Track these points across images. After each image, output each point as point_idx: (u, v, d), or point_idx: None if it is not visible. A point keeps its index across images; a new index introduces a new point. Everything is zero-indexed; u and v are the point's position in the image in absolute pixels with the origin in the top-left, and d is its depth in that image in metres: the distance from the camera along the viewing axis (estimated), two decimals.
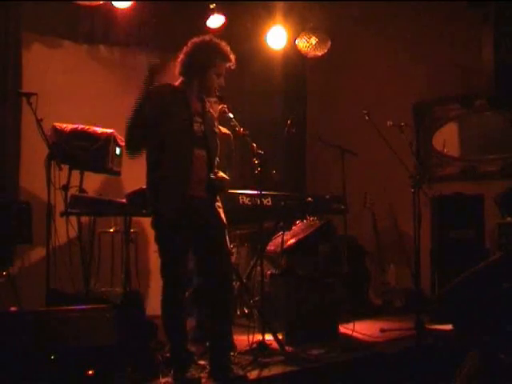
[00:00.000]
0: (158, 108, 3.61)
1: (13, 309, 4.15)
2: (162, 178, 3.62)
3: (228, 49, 3.78)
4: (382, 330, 5.04)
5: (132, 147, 3.67)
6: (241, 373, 3.68)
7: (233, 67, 3.82)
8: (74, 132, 4.87)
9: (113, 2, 5.59)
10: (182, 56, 3.77)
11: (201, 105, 3.76)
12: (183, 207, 3.59)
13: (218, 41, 3.77)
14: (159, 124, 3.60)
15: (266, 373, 3.82)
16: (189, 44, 3.78)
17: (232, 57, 3.78)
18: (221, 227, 3.73)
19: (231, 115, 4.21)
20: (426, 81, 6.63)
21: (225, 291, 3.72)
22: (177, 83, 3.78)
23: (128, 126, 3.64)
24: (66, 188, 4.60)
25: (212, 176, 3.70)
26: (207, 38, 3.79)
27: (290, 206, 4.74)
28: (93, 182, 5.04)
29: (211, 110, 3.88)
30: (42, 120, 4.07)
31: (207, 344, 3.89)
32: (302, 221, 5.10)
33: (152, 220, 3.68)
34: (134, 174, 5.37)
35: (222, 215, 3.76)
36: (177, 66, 3.78)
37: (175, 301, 3.64)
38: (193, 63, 3.72)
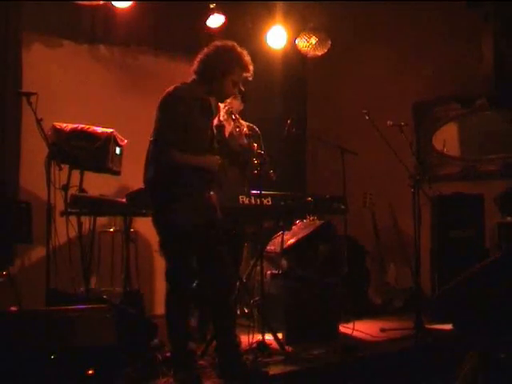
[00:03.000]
0: (186, 113, 3.61)
1: (13, 309, 4.15)
2: (188, 179, 3.61)
3: (249, 59, 3.77)
4: (382, 330, 5.04)
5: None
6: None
7: (250, 79, 3.82)
8: (74, 132, 4.87)
9: (113, 2, 5.59)
10: (202, 56, 3.75)
11: (214, 107, 3.81)
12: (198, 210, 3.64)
13: (240, 49, 3.77)
14: (186, 129, 3.60)
15: None
16: (211, 46, 3.77)
17: (251, 68, 3.78)
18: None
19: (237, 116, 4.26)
20: (426, 81, 6.62)
21: (226, 290, 3.75)
22: (189, 81, 3.76)
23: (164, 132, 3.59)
24: (66, 188, 4.60)
25: None
26: (230, 43, 3.77)
27: (290, 205, 4.73)
28: (93, 182, 5.04)
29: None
30: (42, 120, 4.07)
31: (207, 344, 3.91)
32: (302, 221, 5.10)
33: (170, 219, 3.61)
34: (134, 174, 5.38)
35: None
36: (194, 64, 3.76)
37: (180, 300, 3.65)
38: (213, 66, 3.71)
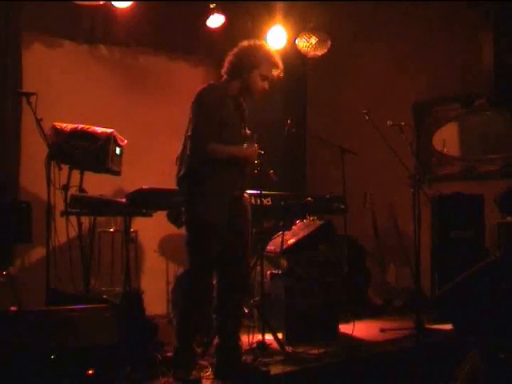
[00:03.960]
0: (221, 109, 3.66)
1: (13, 309, 4.14)
2: (215, 177, 3.63)
3: (276, 55, 3.83)
4: (382, 330, 5.04)
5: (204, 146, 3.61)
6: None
7: (281, 75, 3.85)
8: (74, 132, 4.87)
9: (113, 2, 5.59)
10: (229, 57, 3.81)
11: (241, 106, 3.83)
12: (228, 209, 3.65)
13: (267, 46, 3.85)
14: (221, 125, 3.64)
15: None
16: (238, 46, 3.83)
17: (279, 63, 3.82)
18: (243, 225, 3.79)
19: None
20: (425, 81, 6.62)
21: (240, 291, 3.77)
22: (220, 82, 3.83)
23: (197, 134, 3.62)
24: (66, 188, 4.60)
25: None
26: (258, 42, 3.85)
27: (290, 205, 4.74)
28: (93, 182, 5.04)
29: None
30: (41, 120, 4.07)
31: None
32: (302, 221, 5.10)
33: (194, 218, 3.65)
34: (134, 174, 5.40)
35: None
36: (224, 66, 3.83)
37: (200, 300, 3.67)
38: (240, 62, 3.76)
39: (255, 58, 3.74)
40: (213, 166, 3.61)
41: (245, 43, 3.82)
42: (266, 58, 3.78)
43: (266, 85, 3.83)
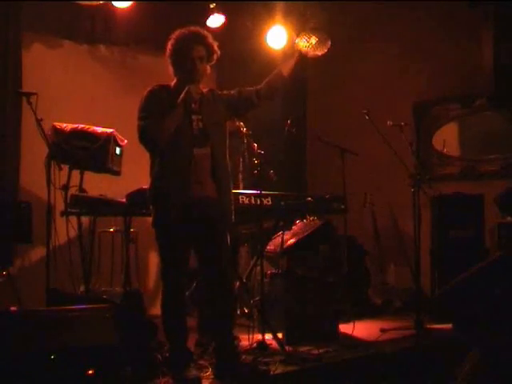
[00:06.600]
0: (158, 109, 3.64)
1: (13, 309, 4.14)
2: (162, 180, 3.63)
3: (201, 31, 3.75)
4: (382, 330, 5.04)
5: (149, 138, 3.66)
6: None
7: (216, 52, 3.77)
8: (74, 132, 4.87)
9: (113, 2, 5.59)
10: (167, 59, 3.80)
11: (198, 99, 3.74)
12: (183, 209, 3.60)
13: (191, 28, 3.76)
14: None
15: None
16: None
17: (207, 39, 3.73)
18: (222, 225, 3.75)
19: None
20: (425, 81, 6.62)
21: (224, 290, 3.74)
22: (172, 83, 3.80)
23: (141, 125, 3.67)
24: (65, 188, 4.60)
25: None
26: (178, 31, 3.79)
27: (290, 205, 4.74)
28: (93, 182, 5.04)
29: (215, 100, 3.85)
30: (41, 120, 4.07)
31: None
32: (302, 221, 5.10)
33: (153, 220, 3.69)
34: (134, 174, 5.39)
35: (229, 213, 3.78)
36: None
37: (175, 300, 3.66)
38: (171, 57, 3.76)
39: (179, 46, 3.71)
40: (164, 169, 3.62)
41: (170, 37, 3.78)
42: (188, 39, 3.71)
43: (204, 67, 3.74)
